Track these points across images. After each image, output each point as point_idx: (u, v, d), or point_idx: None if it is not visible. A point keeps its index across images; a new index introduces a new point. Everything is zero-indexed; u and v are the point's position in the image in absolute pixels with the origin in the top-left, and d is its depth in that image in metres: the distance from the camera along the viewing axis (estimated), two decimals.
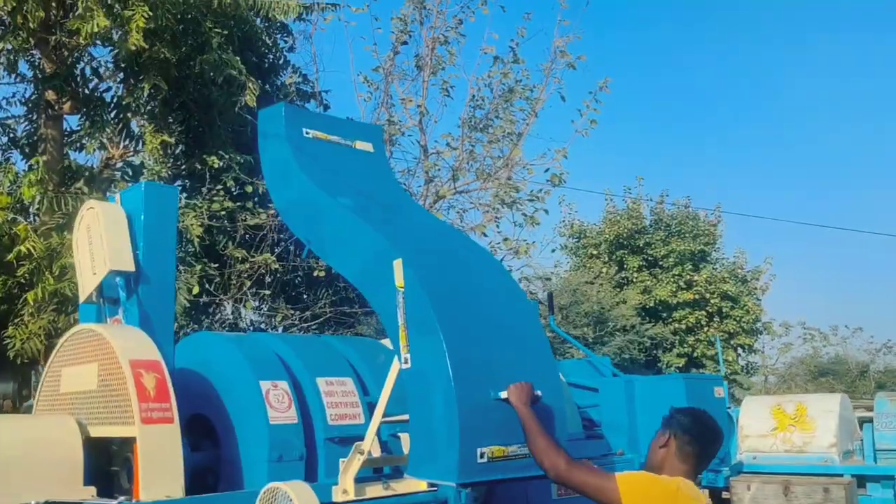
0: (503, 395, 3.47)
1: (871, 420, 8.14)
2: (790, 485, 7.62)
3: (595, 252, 23.76)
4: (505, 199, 9.32)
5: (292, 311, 9.17)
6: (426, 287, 3.63)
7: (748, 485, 7.84)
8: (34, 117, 9.77)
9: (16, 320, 8.22)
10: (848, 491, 7.35)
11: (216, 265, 8.51)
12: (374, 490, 3.90)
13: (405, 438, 4.38)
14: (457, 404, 3.37)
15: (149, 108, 8.66)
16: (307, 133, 4.57)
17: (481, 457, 3.40)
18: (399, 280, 3.74)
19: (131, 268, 4.24)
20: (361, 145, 4.80)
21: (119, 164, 9.35)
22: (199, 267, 7.95)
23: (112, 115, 8.89)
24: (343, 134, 4.73)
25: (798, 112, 59.58)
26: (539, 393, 3.42)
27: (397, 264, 3.75)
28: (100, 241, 4.30)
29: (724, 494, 8.66)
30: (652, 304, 22.69)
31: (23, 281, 7.99)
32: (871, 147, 58.27)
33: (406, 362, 3.67)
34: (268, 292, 8.77)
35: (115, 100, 9.16)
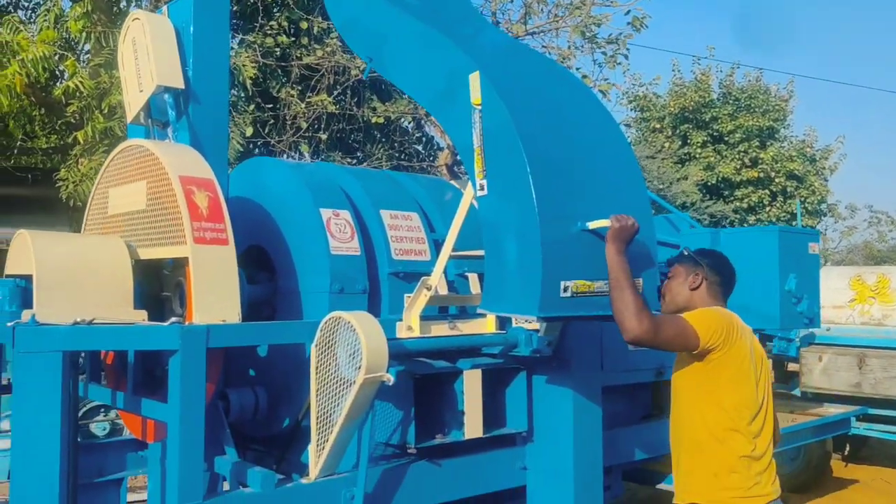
0: (593, 224, 3.09)
1: None
2: (865, 357, 7.26)
3: (658, 126, 22.82)
4: (585, 32, 8.57)
5: (348, 161, 8.80)
6: (508, 103, 3.19)
7: (820, 356, 7.51)
8: None
9: (68, 162, 8.06)
10: None
11: (270, 107, 8.12)
12: (440, 329, 3.61)
13: (473, 278, 4.08)
14: (540, 232, 3.00)
15: None
16: None
17: (564, 290, 3.05)
18: (475, 96, 3.31)
19: (180, 84, 3.87)
20: None
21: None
22: (251, 108, 7.58)
23: None
24: None
25: None
26: (637, 226, 3.04)
27: (474, 78, 3.31)
28: (146, 55, 3.91)
29: (791, 366, 8.35)
30: (714, 182, 21.92)
31: (73, 121, 7.75)
32: None
33: (482, 189, 3.29)
34: (323, 136, 8.37)
35: None
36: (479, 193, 3.29)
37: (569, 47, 8.88)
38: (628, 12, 9.34)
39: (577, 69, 9.36)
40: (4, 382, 3.88)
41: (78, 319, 3.01)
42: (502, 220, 3.17)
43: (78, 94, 7.35)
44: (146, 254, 3.51)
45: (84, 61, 8.40)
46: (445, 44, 3.47)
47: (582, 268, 3.09)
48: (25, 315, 3.14)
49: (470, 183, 3.42)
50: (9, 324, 2.94)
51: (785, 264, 4.69)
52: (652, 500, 5.88)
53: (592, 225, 3.08)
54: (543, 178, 3.05)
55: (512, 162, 3.09)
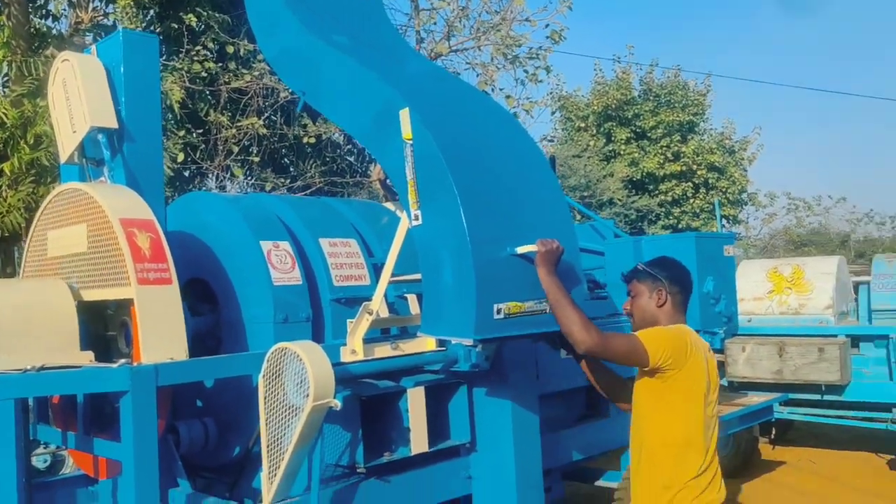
0: (521, 249, 3.30)
1: (864, 283, 8.14)
2: (785, 345, 7.67)
3: (583, 125, 23.37)
4: (507, 53, 8.84)
5: (281, 181, 8.87)
6: (436, 137, 3.38)
7: (743, 346, 7.89)
8: None
9: None
10: (842, 350, 7.40)
11: (200, 132, 8.13)
12: (383, 350, 3.77)
13: (412, 299, 4.25)
14: (472, 259, 3.19)
15: None
16: None
17: (497, 312, 3.26)
18: (406, 131, 3.48)
19: (114, 124, 3.93)
20: None
21: (89, 27, 8.78)
22: (181, 133, 7.58)
23: None
24: None
25: None
26: (562, 248, 3.25)
27: (404, 114, 3.48)
28: (78, 96, 3.97)
29: (718, 357, 8.74)
30: (639, 177, 22.57)
31: None
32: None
33: (416, 219, 3.46)
34: (256, 159, 8.43)
35: None
36: (414, 223, 3.46)
37: (491, 59, 9.15)
38: (547, 26, 9.68)
39: (501, 89, 9.65)
40: None
41: (28, 367, 3.07)
42: (437, 249, 3.35)
43: (1, 124, 7.24)
44: (90, 295, 3.57)
45: (4, 90, 8.26)
46: (375, 80, 3.64)
47: (513, 290, 3.30)
48: None
49: (405, 213, 3.59)
50: None
51: (702, 268, 4.97)
52: (593, 498, 6.13)
53: (521, 250, 3.29)
54: (473, 207, 3.24)
55: (443, 193, 3.28)
